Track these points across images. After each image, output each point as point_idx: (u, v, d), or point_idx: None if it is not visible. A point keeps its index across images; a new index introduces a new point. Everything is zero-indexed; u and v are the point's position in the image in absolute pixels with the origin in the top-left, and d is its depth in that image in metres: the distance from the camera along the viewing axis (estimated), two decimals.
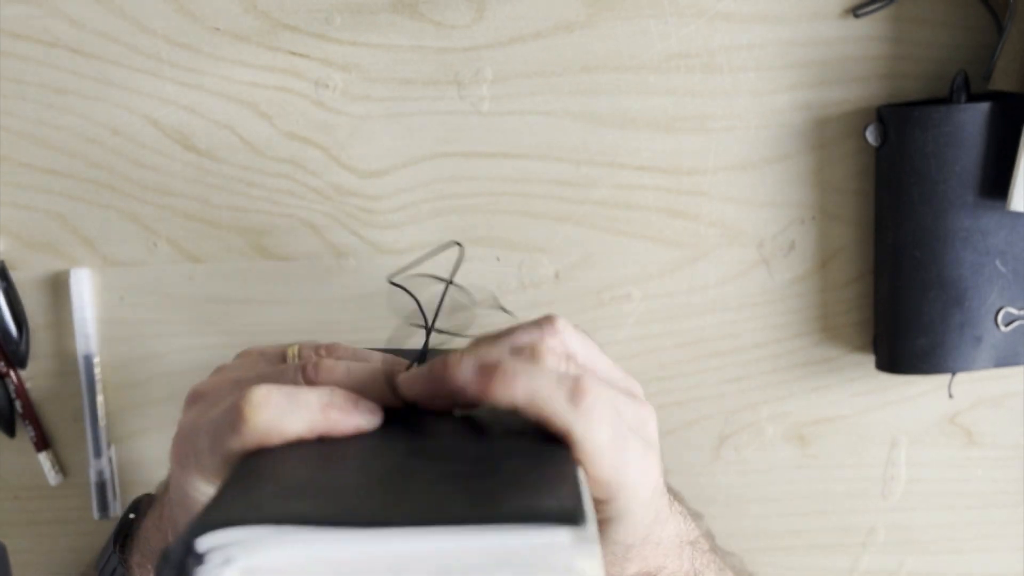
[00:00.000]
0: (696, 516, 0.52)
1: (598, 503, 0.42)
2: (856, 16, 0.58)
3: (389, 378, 0.44)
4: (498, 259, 0.61)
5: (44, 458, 0.63)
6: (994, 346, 0.58)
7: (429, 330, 0.48)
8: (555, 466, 0.39)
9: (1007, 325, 0.57)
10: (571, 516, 0.34)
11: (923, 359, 0.58)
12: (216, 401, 0.44)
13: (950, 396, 0.61)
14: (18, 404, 0.62)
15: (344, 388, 0.43)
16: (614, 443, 0.40)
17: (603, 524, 0.43)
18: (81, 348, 0.61)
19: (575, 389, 0.39)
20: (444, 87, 0.59)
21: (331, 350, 0.48)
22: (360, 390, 0.43)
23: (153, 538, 0.51)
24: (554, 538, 0.34)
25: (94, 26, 0.59)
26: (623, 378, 0.46)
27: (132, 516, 0.54)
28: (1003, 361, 0.58)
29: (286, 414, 0.41)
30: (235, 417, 0.41)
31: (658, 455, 0.44)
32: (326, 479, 0.39)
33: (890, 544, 0.64)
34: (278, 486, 0.38)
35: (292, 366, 0.46)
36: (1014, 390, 0.62)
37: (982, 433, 0.62)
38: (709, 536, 0.53)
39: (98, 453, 0.62)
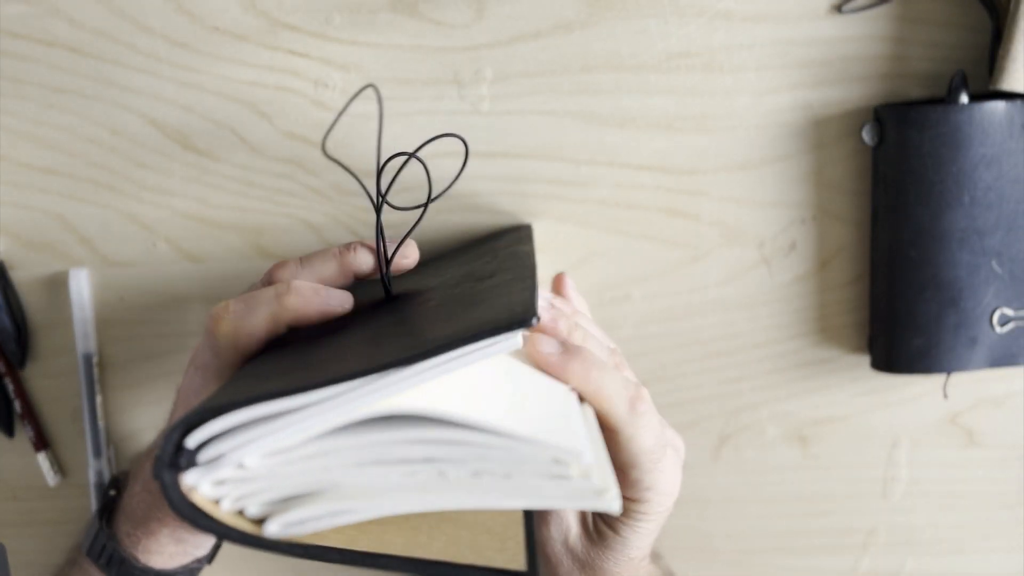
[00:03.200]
0: (656, 557, 0.55)
1: (628, 502, 0.47)
2: (841, 12, 0.58)
3: (343, 257, 0.48)
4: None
5: (43, 458, 0.63)
6: (990, 347, 0.58)
7: (379, 207, 0.48)
8: (507, 294, 0.42)
9: (1002, 326, 0.57)
10: (523, 318, 0.38)
11: (918, 359, 0.58)
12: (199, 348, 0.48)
13: (944, 396, 0.61)
14: (17, 404, 0.62)
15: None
16: (654, 451, 0.45)
17: (622, 525, 0.47)
18: (80, 348, 0.61)
19: (636, 396, 0.45)
20: (444, 87, 0.59)
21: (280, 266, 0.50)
22: (322, 273, 0.47)
23: (140, 504, 0.51)
24: (509, 341, 0.37)
25: (93, 25, 0.59)
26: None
27: (113, 493, 0.54)
28: (998, 361, 0.58)
29: (247, 313, 0.45)
30: (208, 338, 0.45)
31: (680, 477, 0.49)
32: (303, 362, 0.40)
33: (891, 544, 0.64)
34: (256, 377, 0.40)
35: (255, 285, 0.49)
36: (1014, 390, 0.62)
37: (983, 433, 0.62)
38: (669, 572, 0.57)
39: (97, 453, 0.62)
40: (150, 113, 0.60)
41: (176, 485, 0.36)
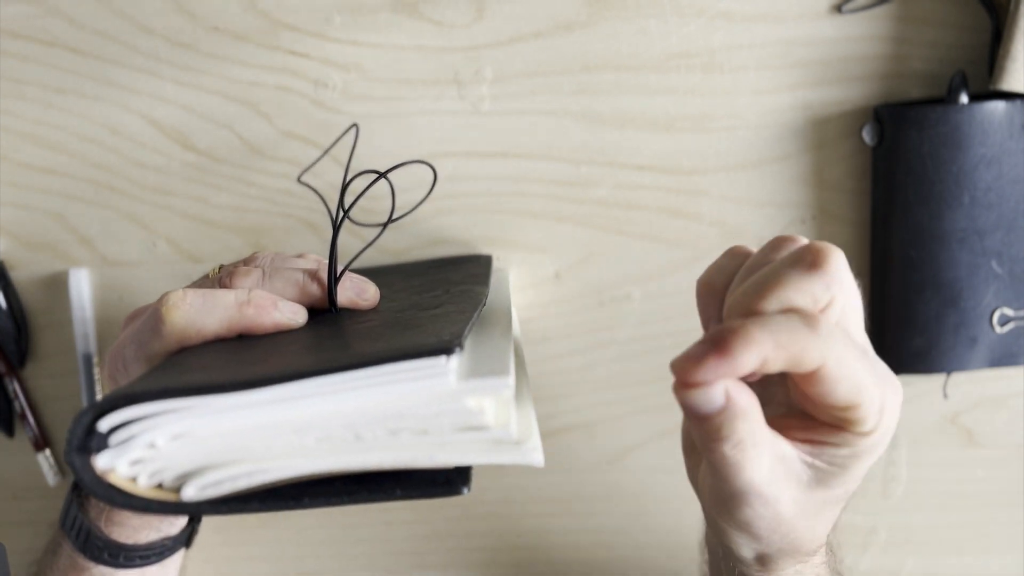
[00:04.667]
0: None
1: (860, 436, 0.40)
2: (841, 12, 0.58)
3: (306, 287, 0.46)
4: (498, 259, 0.61)
5: (43, 458, 0.63)
6: (989, 346, 0.58)
7: (337, 225, 0.47)
8: (445, 321, 0.41)
9: (1002, 326, 0.57)
10: (444, 347, 0.36)
11: (918, 359, 0.58)
12: (141, 315, 0.47)
13: (945, 396, 0.61)
14: (17, 404, 0.62)
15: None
16: (871, 365, 0.39)
17: (853, 465, 0.41)
18: (80, 348, 0.61)
19: (812, 320, 0.37)
20: (444, 87, 0.59)
21: (249, 260, 0.49)
22: (282, 294, 0.46)
23: None
24: (433, 371, 0.36)
25: (93, 25, 0.59)
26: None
27: None
28: (998, 361, 0.58)
29: (203, 312, 0.44)
30: (155, 321, 0.44)
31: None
32: (234, 361, 0.40)
33: (891, 544, 0.64)
34: (182, 369, 0.40)
35: (212, 279, 0.48)
36: (1014, 390, 0.62)
37: (983, 433, 0.62)
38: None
39: None
40: (150, 113, 0.60)
41: (88, 467, 0.37)
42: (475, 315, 0.42)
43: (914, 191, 0.56)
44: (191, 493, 0.37)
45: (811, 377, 0.38)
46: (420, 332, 0.40)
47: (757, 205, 0.60)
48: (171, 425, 0.36)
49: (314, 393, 0.36)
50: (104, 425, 0.37)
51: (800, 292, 0.38)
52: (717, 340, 0.36)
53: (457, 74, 0.59)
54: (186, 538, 0.55)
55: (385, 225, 0.47)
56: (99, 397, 0.62)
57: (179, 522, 0.53)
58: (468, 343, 0.41)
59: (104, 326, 0.62)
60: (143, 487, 0.38)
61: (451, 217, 0.60)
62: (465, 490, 0.37)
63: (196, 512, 0.38)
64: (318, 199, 0.60)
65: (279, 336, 0.44)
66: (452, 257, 0.60)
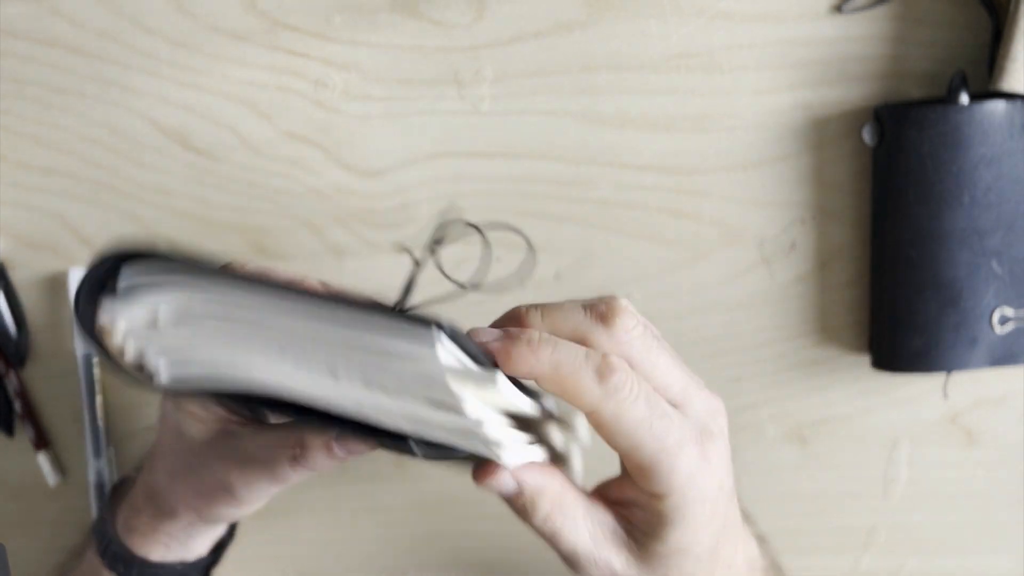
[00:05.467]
0: (762, 540, 0.50)
1: (654, 498, 0.40)
2: (841, 12, 0.58)
3: None
4: (498, 259, 0.61)
5: (43, 458, 0.63)
6: (989, 346, 0.58)
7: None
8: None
9: (1002, 325, 0.57)
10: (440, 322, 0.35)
11: (918, 359, 0.58)
12: None
13: (945, 396, 0.61)
14: (17, 404, 0.62)
15: None
16: (653, 422, 0.39)
17: (660, 526, 0.41)
18: (80, 348, 0.61)
19: (603, 365, 0.38)
20: (444, 87, 0.59)
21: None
22: None
23: (138, 486, 0.52)
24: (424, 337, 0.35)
25: (93, 25, 0.59)
26: (688, 374, 0.43)
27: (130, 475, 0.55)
28: (998, 361, 0.58)
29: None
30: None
31: (724, 450, 0.42)
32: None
33: (891, 544, 0.64)
34: None
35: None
36: (1014, 390, 0.62)
37: (983, 433, 0.62)
38: (777, 565, 0.51)
39: (97, 453, 0.62)
40: (150, 113, 0.60)
41: (89, 316, 0.37)
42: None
43: (914, 191, 0.56)
44: (163, 378, 0.37)
45: (592, 419, 0.39)
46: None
47: (757, 205, 0.60)
48: (175, 297, 0.37)
49: (308, 306, 0.36)
50: (123, 281, 0.37)
51: (585, 334, 0.40)
52: (505, 337, 0.38)
53: (457, 74, 0.59)
54: (205, 567, 0.54)
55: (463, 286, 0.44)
56: (99, 397, 0.62)
57: (194, 547, 0.52)
58: None
59: None
60: (127, 360, 0.38)
61: (451, 217, 0.60)
62: (418, 451, 0.36)
63: (166, 391, 0.38)
64: (318, 199, 0.60)
65: None
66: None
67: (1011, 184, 0.56)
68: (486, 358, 0.37)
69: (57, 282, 0.62)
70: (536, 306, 0.41)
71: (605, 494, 0.44)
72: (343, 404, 0.36)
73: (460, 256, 0.42)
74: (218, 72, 0.59)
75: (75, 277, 0.61)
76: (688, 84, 0.59)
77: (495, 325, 0.41)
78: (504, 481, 0.40)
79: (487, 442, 0.36)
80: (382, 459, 0.63)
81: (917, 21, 0.58)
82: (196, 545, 0.52)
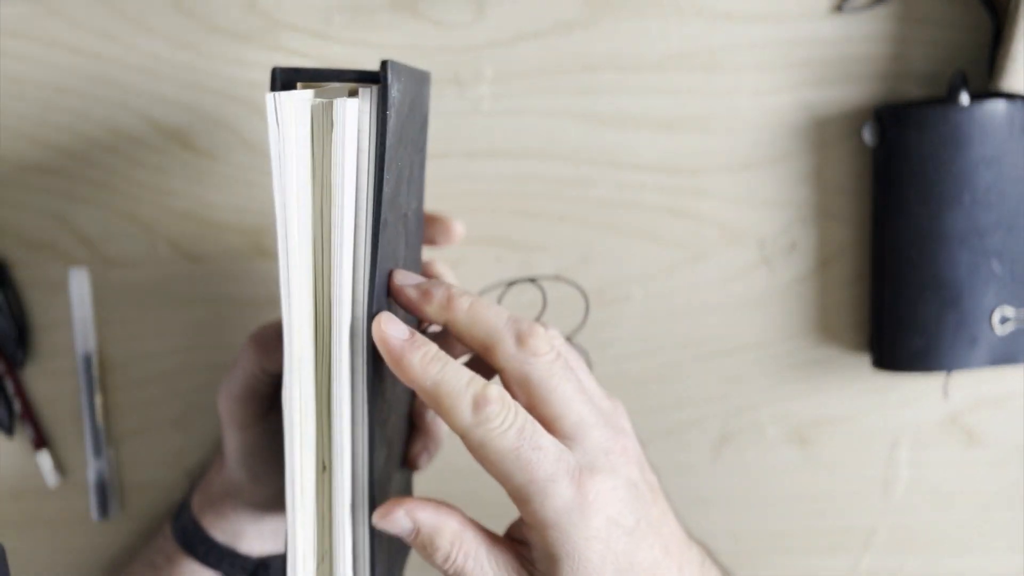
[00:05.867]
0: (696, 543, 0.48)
1: (534, 531, 0.40)
2: (841, 12, 0.58)
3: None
4: (498, 259, 0.61)
5: (43, 458, 0.63)
6: (989, 346, 0.58)
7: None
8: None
9: (1002, 325, 0.57)
10: None
11: (918, 359, 0.58)
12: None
13: (945, 396, 0.61)
14: (17, 404, 0.62)
15: None
16: (520, 453, 0.38)
17: (551, 564, 0.40)
18: (80, 348, 0.61)
19: (481, 395, 0.38)
20: (444, 86, 0.59)
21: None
22: None
23: (214, 479, 0.56)
24: None
25: (93, 25, 0.59)
26: (607, 405, 0.44)
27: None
28: (999, 360, 0.58)
29: None
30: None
31: (614, 487, 0.40)
32: None
33: (891, 545, 0.64)
34: None
35: None
36: (1014, 390, 0.62)
37: (983, 433, 0.62)
38: None
39: (97, 453, 0.62)
40: (150, 113, 0.60)
41: None
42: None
43: (914, 191, 0.56)
44: None
45: (464, 441, 0.40)
46: None
47: (757, 205, 0.60)
48: None
49: None
50: None
51: (495, 342, 0.41)
52: (408, 340, 0.39)
53: (457, 74, 0.59)
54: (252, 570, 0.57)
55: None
56: (99, 397, 0.62)
57: (258, 542, 0.57)
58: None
59: (104, 326, 0.62)
60: None
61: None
62: None
63: None
64: None
65: None
66: None
67: (1011, 184, 0.56)
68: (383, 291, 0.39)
69: (57, 282, 0.61)
70: (467, 295, 0.41)
71: (510, 533, 0.43)
72: None
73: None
74: (218, 72, 0.59)
75: (75, 277, 0.61)
76: (688, 84, 0.59)
77: (419, 288, 0.41)
78: (398, 519, 0.40)
79: None
80: None
81: (917, 21, 0.58)
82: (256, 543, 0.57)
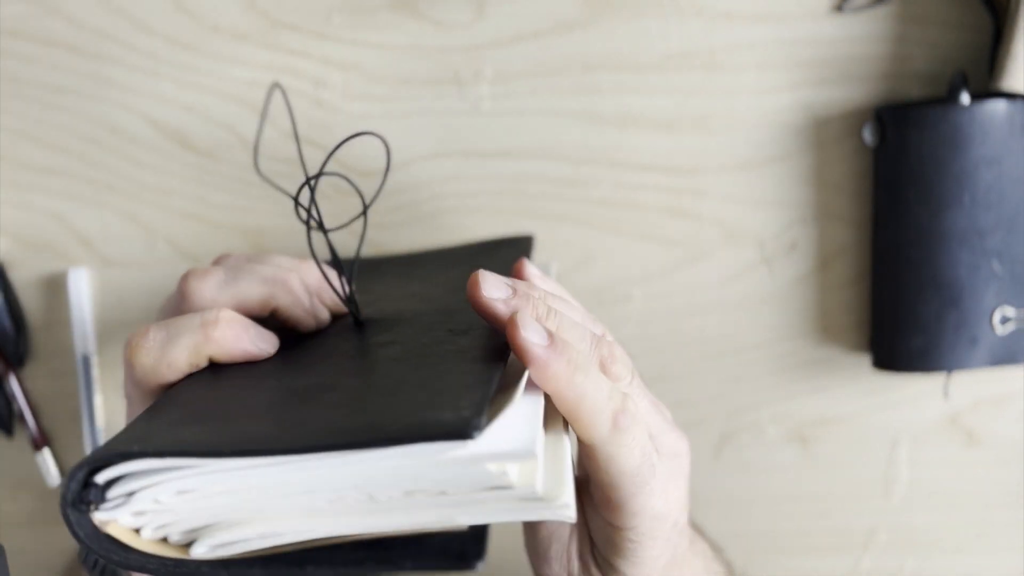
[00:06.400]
0: (717, 549, 0.51)
1: (615, 530, 0.41)
2: (841, 12, 0.58)
3: (275, 288, 0.43)
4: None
5: (43, 458, 0.63)
6: (990, 346, 0.58)
7: (309, 223, 0.44)
8: (468, 375, 0.37)
9: (1003, 325, 0.57)
10: (462, 430, 0.32)
11: (918, 359, 0.58)
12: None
13: (945, 396, 0.61)
14: (17, 404, 0.62)
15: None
16: (639, 471, 0.39)
17: (614, 555, 0.42)
18: (80, 348, 0.61)
19: (620, 410, 0.38)
20: (444, 86, 0.59)
21: (218, 261, 0.46)
22: (247, 295, 0.43)
23: None
24: (452, 451, 0.32)
25: (93, 25, 0.59)
26: (661, 415, 0.44)
27: None
28: (999, 360, 0.58)
29: (166, 345, 0.40)
30: (127, 366, 0.41)
31: (686, 489, 0.44)
32: (223, 407, 0.38)
33: (891, 545, 0.64)
34: (171, 420, 0.37)
35: (174, 294, 0.44)
36: (1014, 390, 0.62)
37: (983, 433, 0.62)
38: (731, 570, 0.52)
39: None
40: (150, 113, 0.60)
41: (84, 522, 0.35)
42: (499, 371, 0.38)
43: (914, 191, 0.56)
44: (202, 551, 0.35)
45: (584, 448, 0.39)
46: (442, 388, 0.36)
47: (757, 205, 0.60)
48: (173, 483, 0.34)
49: (321, 464, 0.34)
50: (101, 479, 0.35)
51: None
52: (550, 348, 0.37)
53: (457, 74, 0.59)
54: None
55: (362, 215, 0.44)
56: (98, 397, 0.62)
57: None
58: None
59: (103, 326, 0.62)
60: (146, 539, 0.36)
61: (451, 217, 0.60)
62: (479, 565, 0.35)
63: (196, 573, 0.36)
64: (318, 199, 0.60)
65: (261, 370, 0.41)
66: (494, 240, 0.57)
67: (1011, 184, 0.56)
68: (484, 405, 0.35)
69: (57, 282, 0.61)
70: (554, 312, 0.39)
71: (579, 502, 0.43)
72: (388, 524, 0.35)
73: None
74: (218, 72, 0.59)
75: (75, 277, 0.61)
76: (688, 84, 0.59)
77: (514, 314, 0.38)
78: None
79: (541, 501, 0.35)
80: None
81: (917, 21, 0.58)
82: None
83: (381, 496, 0.34)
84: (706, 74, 0.59)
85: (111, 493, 0.35)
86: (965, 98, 0.55)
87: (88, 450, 0.62)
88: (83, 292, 0.61)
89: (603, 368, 0.40)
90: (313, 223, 0.43)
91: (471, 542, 0.35)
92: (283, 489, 0.35)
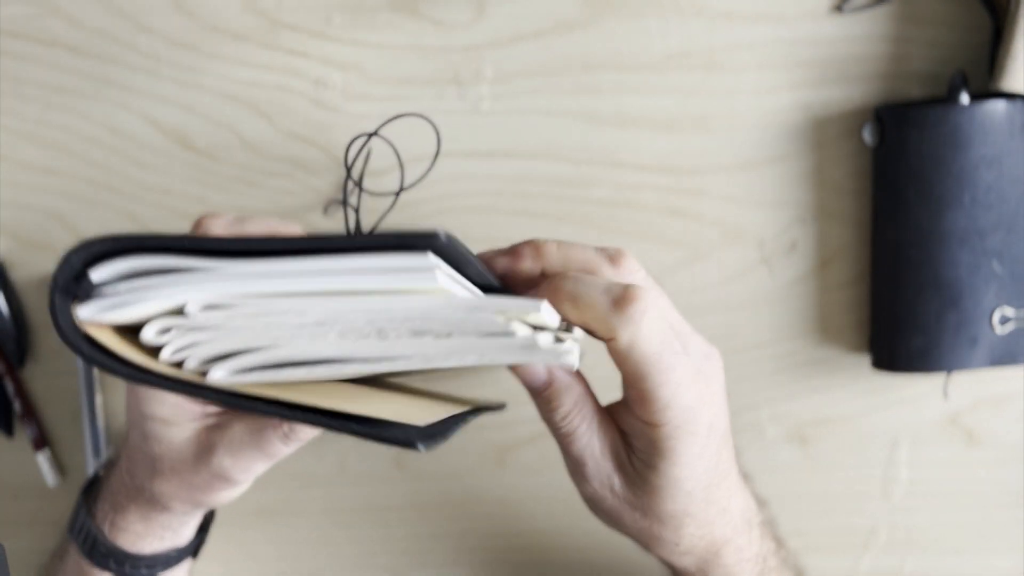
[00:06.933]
0: (761, 502, 0.52)
1: (651, 427, 0.43)
2: (841, 12, 0.58)
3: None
4: None
5: (43, 458, 0.63)
6: (990, 346, 0.58)
7: (348, 184, 0.48)
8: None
9: (1003, 325, 0.57)
10: (435, 244, 0.36)
11: (919, 358, 0.58)
12: None
13: (945, 396, 0.61)
14: (17, 404, 0.62)
15: None
16: (663, 356, 0.41)
17: (654, 456, 0.44)
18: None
19: (623, 296, 0.40)
20: (444, 86, 0.59)
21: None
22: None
23: (115, 480, 0.51)
24: (418, 263, 0.36)
25: (93, 25, 0.59)
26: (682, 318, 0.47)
27: (101, 473, 0.55)
28: (999, 360, 0.58)
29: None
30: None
31: (722, 394, 0.45)
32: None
33: (891, 545, 0.64)
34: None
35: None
36: (1015, 390, 0.61)
37: (983, 433, 0.62)
38: (773, 523, 0.53)
39: (97, 453, 0.62)
40: (150, 113, 0.60)
41: (66, 312, 0.36)
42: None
43: (914, 191, 0.56)
44: (220, 375, 0.37)
45: (608, 345, 0.42)
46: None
47: (757, 205, 0.60)
48: (189, 287, 0.36)
49: (316, 271, 0.36)
50: (100, 274, 0.36)
51: (595, 269, 0.43)
52: (551, 285, 0.41)
53: (457, 74, 0.59)
54: (193, 549, 0.54)
55: (398, 194, 0.49)
56: (99, 397, 0.62)
57: (186, 532, 0.53)
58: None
59: None
60: (163, 362, 0.37)
61: (451, 217, 0.60)
62: (421, 447, 0.37)
63: (183, 392, 0.38)
64: (318, 199, 0.60)
65: None
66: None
67: (1011, 184, 0.56)
68: (489, 275, 0.41)
69: None
70: (551, 240, 0.44)
71: (614, 417, 0.46)
72: (396, 357, 0.37)
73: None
74: (218, 72, 0.59)
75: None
76: (688, 84, 0.59)
77: (507, 253, 0.44)
78: (537, 371, 0.44)
79: (547, 347, 0.38)
80: (382, 459, 0.63)
81: (917, 21, 0.58)
82: (187, 530, 0.53)
83: (390, 333, 0.37)
84: (706, 74, 0.59)
85: (108, 288, 0.36)
86: (965, 98, 0.55)
87: (88, 450, 0.62)
88: None
89: (612, 260, 0.43)
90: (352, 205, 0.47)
91: (424, 435, 0.38)
92: (299, 317, 0.37)
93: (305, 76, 0.59)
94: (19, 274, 0.61)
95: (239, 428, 0.46)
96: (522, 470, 0.63)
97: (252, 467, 0.47)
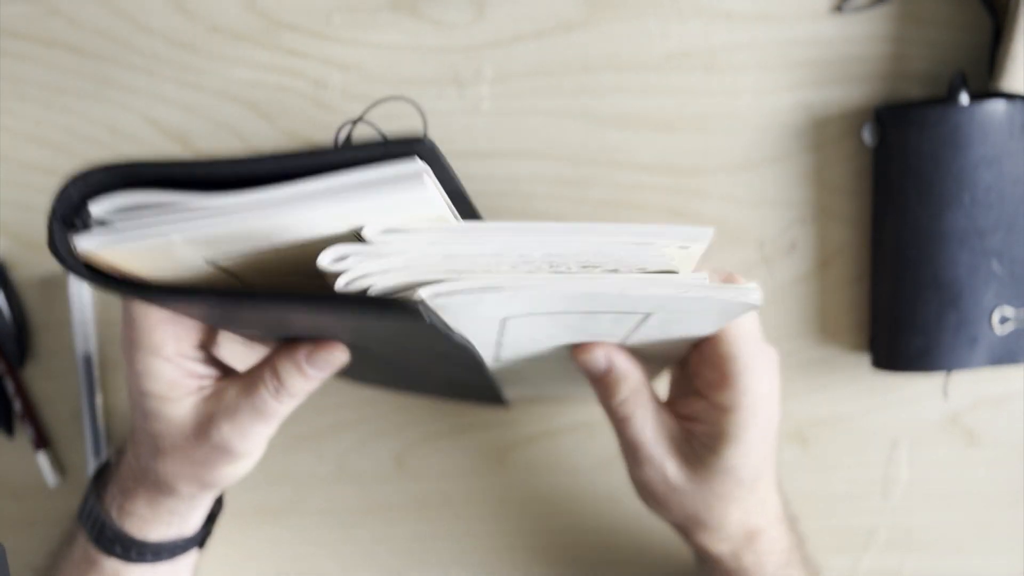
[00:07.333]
0: (793, 519, 0.54)
1: (722, 412, 0.46)
2: (841, 12, 0.58)
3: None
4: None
5: (43, 458, 0.63)
6: (990, 346, 0.58)
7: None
8: None
9: (1002, 325, 0.57)
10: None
11: (918, 358, 0.58)
12: None
13: (945, 396, 0.61)
14: (17, 404, 0.62)
15: None
16: (752, 344, 0.45)
17: (719, 440, 0.47)
18: (80, 348, 0.61)
19: (729, 276, 0.45)
20: (444, 86, 0.59)
21: None
22: None
23: (125, 465, 0.52)
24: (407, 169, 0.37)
25: (93, 25, 0.59)
26: None
27: (112, 460, 0.55)
28: (998, 361, 0.58)
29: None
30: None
31: (779, 390, 0.48)
32: None
33: (891, 545, 0.64)
34: None
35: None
36: (1014, 390, 0.61)
37: (983, 433, 0.62)
38: (797, 521, 0.55)
39: (97, 453, 0.62)
40: (150, 113, 0.60)
41: (63, 237, 0.37)
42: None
43: (914, 191, 0.56)
44: (426, 295, 0.37)
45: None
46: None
47: (757, 205, 0.60)
48: (175, 226, 0.36)
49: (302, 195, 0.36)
50: (104, 207, 0.36)
51: None
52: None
53: (457, 74, 0.59)
54: (200, 539, 0.54)
55: None
56: (99, 397, 0.62)
57: (192, 520, 0.53)
58: None
59: (104, 326, 0.62)
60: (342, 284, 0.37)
61: None
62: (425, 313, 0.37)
63: (184, 299, 0.38)
64: None
65: None
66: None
67: (1011, 184, 0.56)
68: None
69: (57, 282, 0.61)
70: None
71: (676, 410, 0.49)
72: (569, 286, 0.38)
73: None
74: (218, 72, 0.59)
75: (75, 277, 0.61)
76: (688, 84, 0.59)
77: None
78: (597, 358, 0.46)
79: (713, 284, 0.39)
80: (382, 459, 0.63)
81: (917, 21, 0.58)
82: (194, 518, 0.53)
83: (561, 267, 0.38)
84: (706, 74, 0.59)
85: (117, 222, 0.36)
86: (964, 98, 0.55)
87: (88, 450, 0.62)
88: (83, 292, 0.61)
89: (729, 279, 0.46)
90: None
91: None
92: (480, 248, 0.40)
93: (305, 76, 0.59)
94: (19, 274, 0.62)
95: (233, 391, 0.46)
96: (522, 470, 0.63)
97: (250, 432, 0.47)
